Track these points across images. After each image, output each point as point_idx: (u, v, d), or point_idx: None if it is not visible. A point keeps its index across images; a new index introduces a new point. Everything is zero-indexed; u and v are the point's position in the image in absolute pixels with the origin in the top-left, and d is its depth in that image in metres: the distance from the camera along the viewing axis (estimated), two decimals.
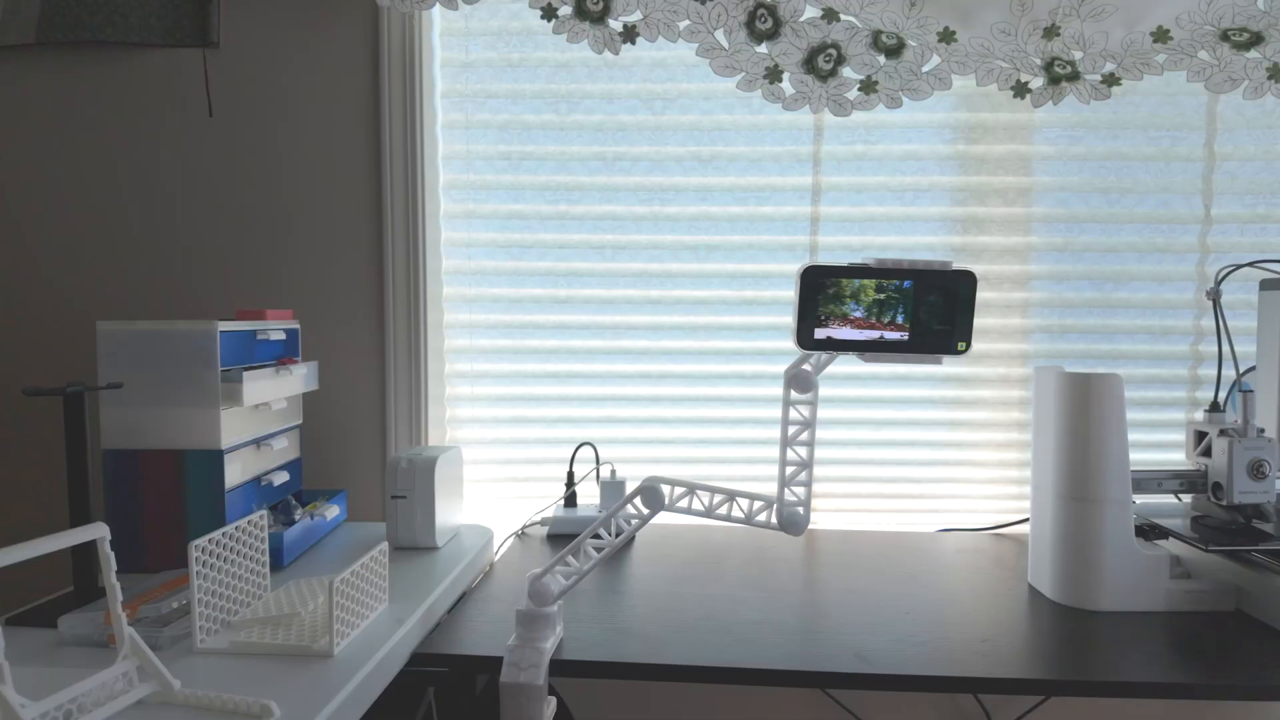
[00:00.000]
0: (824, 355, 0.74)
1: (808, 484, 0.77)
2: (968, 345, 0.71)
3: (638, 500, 0.78)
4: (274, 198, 1.38)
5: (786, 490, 0.78)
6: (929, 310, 0.71)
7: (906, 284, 0.70)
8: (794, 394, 0.75)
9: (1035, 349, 1.40)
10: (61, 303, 1.39)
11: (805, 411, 0.76)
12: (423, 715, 1.10)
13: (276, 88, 1.37)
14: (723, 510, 0.79)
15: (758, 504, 0.79)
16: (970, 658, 0.84)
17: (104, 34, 1.32)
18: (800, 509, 0.77)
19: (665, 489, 0.78)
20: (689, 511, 0.78)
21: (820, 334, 0.72)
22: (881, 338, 0.71)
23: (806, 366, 0.75)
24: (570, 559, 0.79)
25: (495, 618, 0.96)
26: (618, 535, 0.78)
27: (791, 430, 0.76)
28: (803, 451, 0.77)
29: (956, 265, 0.71)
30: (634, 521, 0.78)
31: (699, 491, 0.78)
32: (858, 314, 0.71)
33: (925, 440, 1.42)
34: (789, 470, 0.77)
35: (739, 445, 1.41)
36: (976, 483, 1.42)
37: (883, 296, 0.70)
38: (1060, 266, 1.38)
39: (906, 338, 0.71)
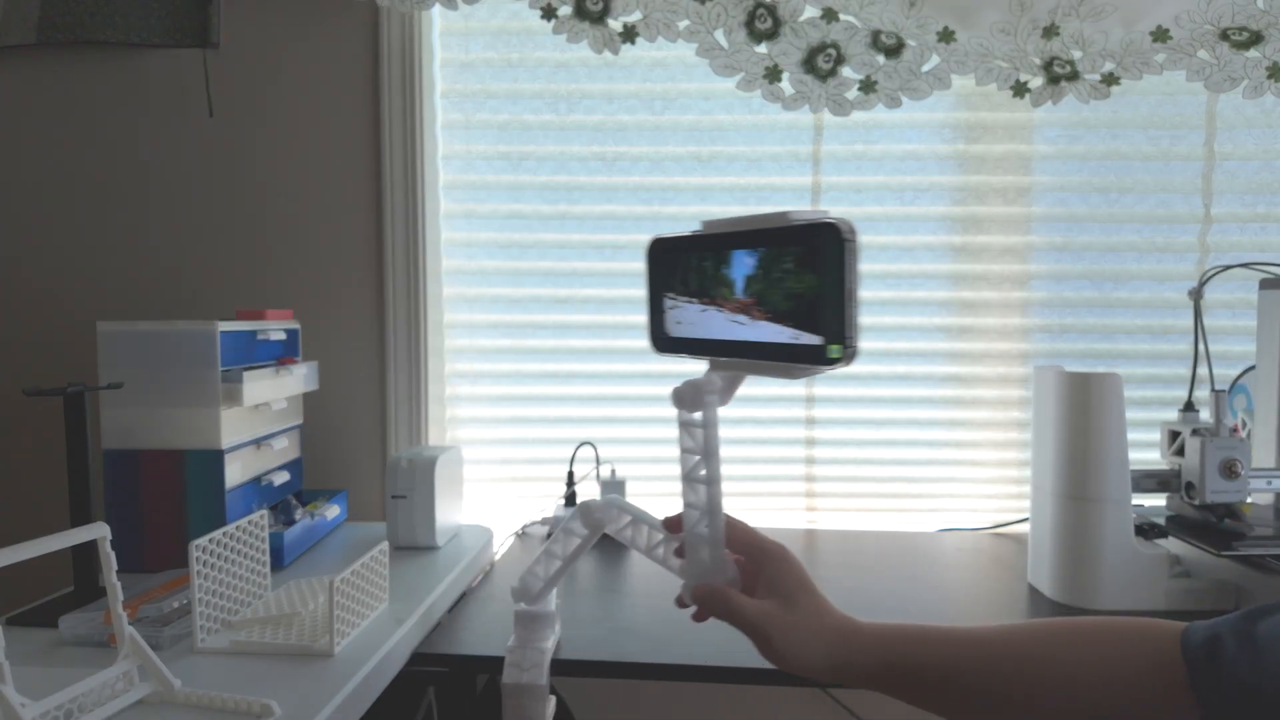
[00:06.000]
0: (716, 369, 0.55)
1: (715, 540, 0.55)
2: (844, 349, 0.44)
3: (576, 521, 0.70)
4: (274, 198, 1.38)
5: (690, 546, 0.57)
6: (787, 295, 0.46)
7: (761, 253, 0.48)
8: (681, 413, 0.55)
9: (1035, 348, 1.40)
10: (61, 303, 1.39)
11: (698, 436, 0.55)
12: (423, 715, 1.10)
13: (276, 88, 1.37)
14: (658, 554, 0.63)
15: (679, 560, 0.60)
16: None
17: (104, 34, 1.32)
18: (705, 571, 0.55)
19: (614, 513, 0.67)
20: (631, 544, 0.65)
21: (676, 330, 0.53)
22: (730, 339, 0.50)
23: (712, 376, 0.55)
24: (543, 560, 0.77)
25: (495, 618, 0.96)
26: (569, 549, 0.72)
27: (686, 463, 0.55)
28: (701, 492, 0.55)
29: (828, 218, 0.44)
30: (576, 541, 0.71)
31: (639, 524, 0.64)
32: (719, 302, 0.51)
33: (925, 440, 1.42)
34: (689, 516, 0.56)
35: (738, 444, 1.41)
36: (976, 482, 1.42)
37: (738, 284, 0.48)
38: (1060, 266, 1.38)
39: (763, 338, 0.48)
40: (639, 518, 0.64)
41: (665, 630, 0.92)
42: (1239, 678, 0.43)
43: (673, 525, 0.61)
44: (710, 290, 0.51)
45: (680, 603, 0.58)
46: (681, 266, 0.53)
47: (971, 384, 1.41)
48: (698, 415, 0.54)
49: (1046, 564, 1.04)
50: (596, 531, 0.69)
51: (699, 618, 0.58)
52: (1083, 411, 0.99)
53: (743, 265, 0.49)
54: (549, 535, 1.31)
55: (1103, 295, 1.39)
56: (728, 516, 0.56)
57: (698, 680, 0.84)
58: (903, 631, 0.54)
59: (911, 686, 0.53)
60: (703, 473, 0.55)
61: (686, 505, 0.56)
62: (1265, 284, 1.13)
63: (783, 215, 0.46)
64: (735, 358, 0.51)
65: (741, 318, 0.49)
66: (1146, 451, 1.37)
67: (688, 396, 0.54)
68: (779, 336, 0.47)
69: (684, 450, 0.56)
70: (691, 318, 0.53)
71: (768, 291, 0.47)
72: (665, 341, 0.56)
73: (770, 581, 0.56)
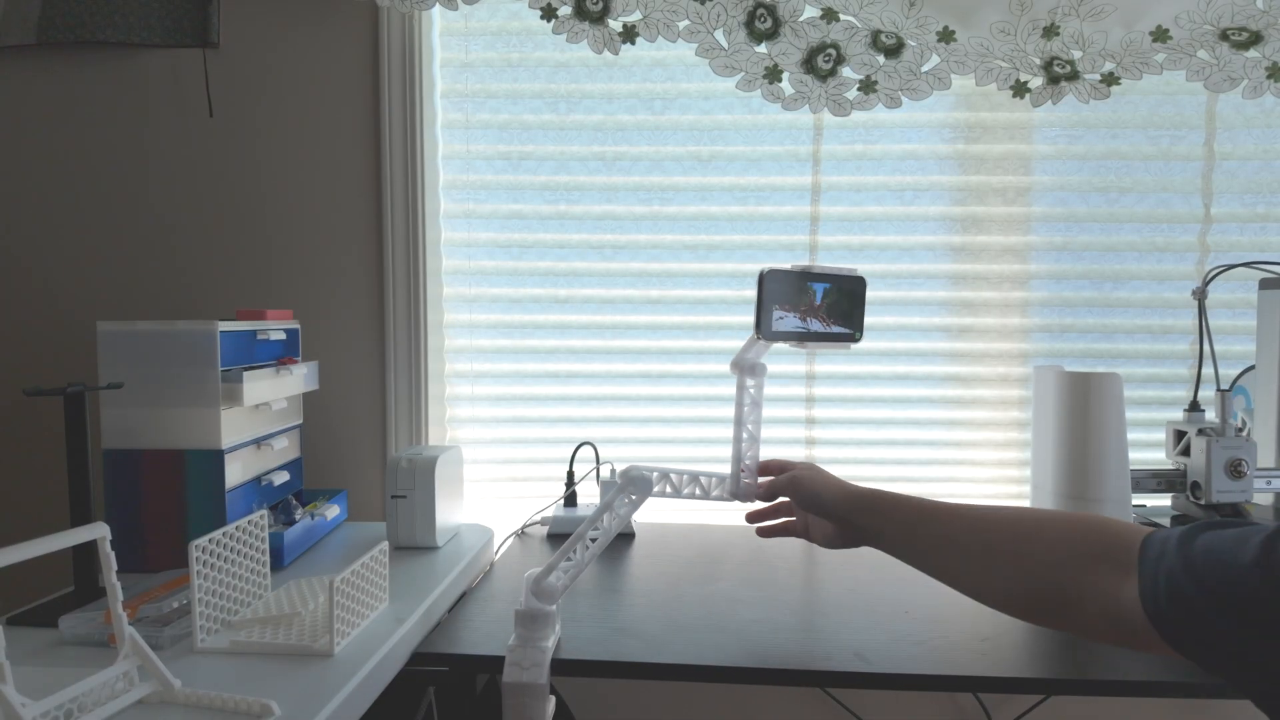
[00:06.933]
0: (768, 344, 0.84)
1: (756, 457, 0.87)
2: (860, 337, 0.86)
3: (629, 489, 0.81)
4: (274, 198, 1.38)
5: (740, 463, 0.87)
6: (839, 308, 0.85)
7: (828, 285, 0.84)
8: (749, 380, 0.85)
9: (1035, 348, 1.40)
10: (61, 303, 1.39)
11: (755, 394, 0.86)
12: (423, 715, 1.10)
13: (276, 88, 1.37)
14: (688, 490, 0.86)
15: (714, 480, 0.87)
16: (970, 657, 0.84)
17: (104, 34, 1.32)
18: (748, 479, 0.88)
19: (648, 474, 0.82)
20: (663, 495, 0.85)
21: (777, 326, 0.82)
22: (809, 330, 0.84)
23: (750, 355, 0.84)
24: (570, 554, 0.79)
25: (495, 617, 0.96)
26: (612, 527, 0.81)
27: (745, 411, 0.86)
28: (752, 428, 0.87)
29: (859, 272, 0.86)
30: (624, 510, 0.81)
31: (671, 475, 0.85)
32: (800, 310, 0.83)
33: (925, 440, 1.42)
34: (739, 446, 0.86)
35: None
36: (977, 482, 1.42)
37: (817, 296, 0.84)
38: (1060, 265, 1.39)
39: (829, 330, 0.85)
40: (665, 471, 0.85)
41: (665, 630, 0.92)
42: (1172, 580, 0.51)
43: (771, 469, 0.89)
44: (795, 301, 0.81)
45: (751, 516, 0.93)
46: (780, 286, 0.81)
47: (971, 384, 1.41)
48: (759, 380, 0.85)
49: None
50: (645, 497, 0.82)
51: (766, 533, 0.92)
52: (1083, 411, 0.99)
53: (820, 288, 0.84)
54: (549, 536, 1.32)
55: (1103, 295, 1.39)
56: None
57: (698, 680, 0.84)
58: (888, 491, 0.79)
59: (888, 530, 0.76)
60: (754, 417, 0.86)
61: (738, 440, 0.87)
62: (1265, 284, 1.13)
63: (851, 270, 0.85)
64: (813, 341, 0.84)
65: (815, 322, 0.83)
66: (1146, 451, 1.38)
67: (745, 366, 0.84)
68: (833, 329, 0.85)
69: (738, 404, 0.85)
70: (784, 319, 0.83)
71: (836, 303, 0.84)
72: (771, 334, 0.81)
73: (802, 467, 0.87)
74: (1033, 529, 0.63)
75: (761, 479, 0.88)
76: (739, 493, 0.87)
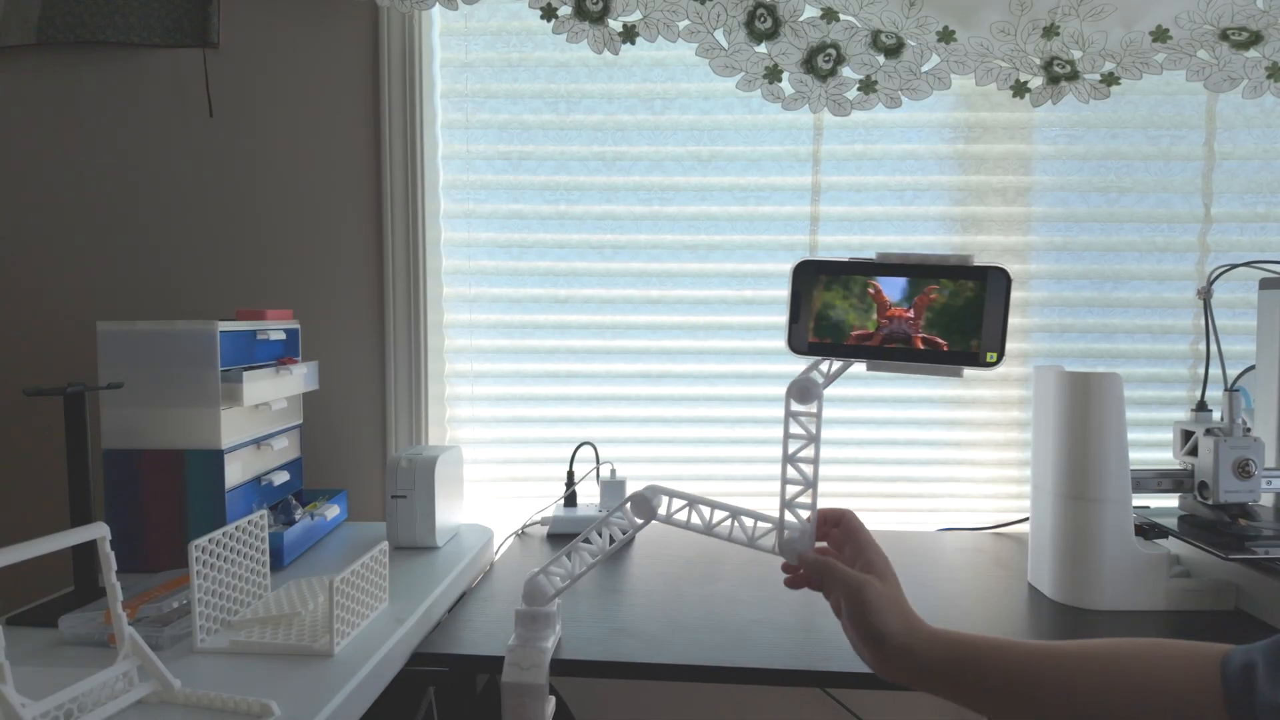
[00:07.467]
0: (835, 363, 0.64)
1: (813, 507, 0.67)
2: (999, 356, 0.59)
3: (628, 508, 0.74)
4: (274, 198, 1.38)
5: (787, 513, 0.69)
6: (947, 314, 0.60)
7: (911, 280, 0.62)
8: (794, 404, 0.66)
9: (1035, 348, 1.40)
10: (61, 303, 1.39)
11: (808, 425, 0.66)
12: (423, 715, 1.10)
13: (276, 88, 1.37)
14: (723, 529, 0.71)
15: (762, 525, 0.70)
16: None
17: (104, 34, 1.32)
18: (801, 535, 0.67)
19: (663, 499, 0.72)
20: (687, 526, 0.72)
21: (816, 337, 0.64)
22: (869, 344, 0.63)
23: (814, 374, 0.65)
24: (565, 560, 0.78)
25: (495, 617, 0.96)
26: (611, 541, 0.76)
27: (792, 446, 0.67)
28: (806, 469, 0.67)
29: (982, 261, 0.60)
30: (625, 531, 0.75)
31: (700, 506, 0.72)
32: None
33: (925, 440, 1.42)
34: (790, 490, 0.67)
35: (739, 445, 1.41)
36: (976, 482, 1.42)
37: (895, 295, 0.62)
38: (1060, 265, 1.38)
39: (916, 348, 0.62)
40: (695, 499, 0.72)
41: (665, 630, 0.92)
42: (1267, 699, 0.46)
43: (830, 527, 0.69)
44: (854, 302, 0.63)
45: (786, 567, 0.68)
46: (826, 285, 0.63)
47: (971, 384, 1.41)
48: (810, 406, 0.65)
49: (1046, 564, 1.04)
50: (648, 521, 0.73)
51: (795, 584, 0.67)
52: (1083, 411, 0.99)
53: (894, 288, 0.61)
54: (549, 536, 1.32)
55: (1103, 295, 1.39)
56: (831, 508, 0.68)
57: (698, 680, 0.84)
58: (964, 636, 0.60)
59: (966, 686, 0.58)
60: (809, 453, 0.66)
61: (788, 482, 0.67)
62: (1265, 284, 1.13)
63: (962, 257, 0.60)
64: (892, 360, 0.62)
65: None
66: (1146, 451, 1.38)
67: (803, 390, 0.65)
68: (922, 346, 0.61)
69: (790, 435, 0.66)
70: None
71: (944, 307, 0.60)
72: (805, 346, 0.64)
73: (868, 562, 0.63)
74: (1125, 664, 0.54)
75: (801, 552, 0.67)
76: (786, 550, 0.68)
